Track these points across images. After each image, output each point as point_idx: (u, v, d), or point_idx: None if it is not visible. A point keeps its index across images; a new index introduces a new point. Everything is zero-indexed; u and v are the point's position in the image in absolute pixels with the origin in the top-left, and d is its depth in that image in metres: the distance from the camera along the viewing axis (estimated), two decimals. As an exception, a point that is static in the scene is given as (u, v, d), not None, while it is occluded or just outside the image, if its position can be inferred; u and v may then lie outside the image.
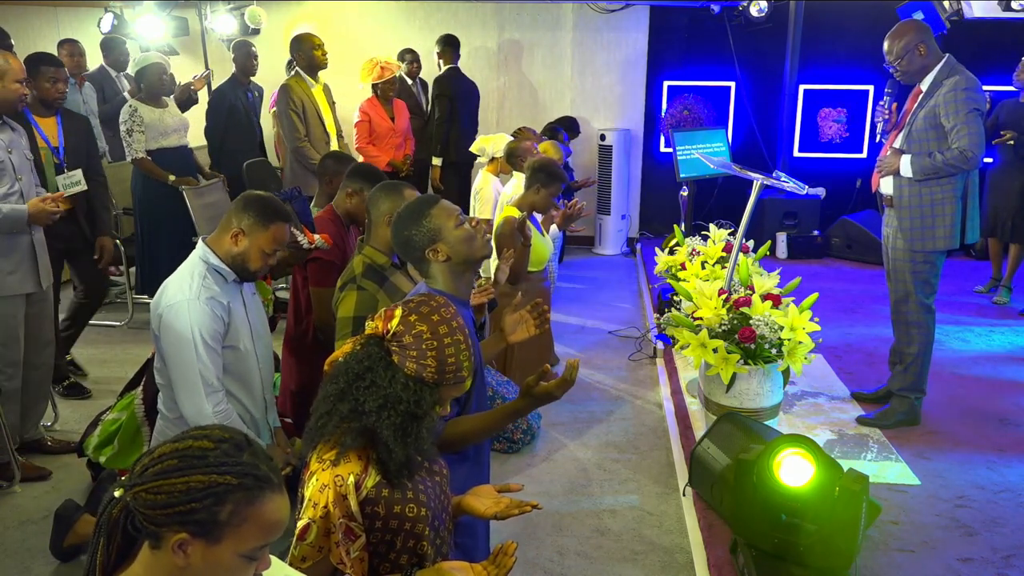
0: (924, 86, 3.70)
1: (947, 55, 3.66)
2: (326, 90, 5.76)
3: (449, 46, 6.71)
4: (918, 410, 3.94)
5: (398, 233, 2.08)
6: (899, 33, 3.67)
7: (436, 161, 6.61)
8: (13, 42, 5.62)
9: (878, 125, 3.94)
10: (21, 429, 3.70)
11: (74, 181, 4.14)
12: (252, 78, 6.43)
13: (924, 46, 3.62)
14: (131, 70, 5.26)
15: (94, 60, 6.67)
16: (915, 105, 3.72)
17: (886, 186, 3.83)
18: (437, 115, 6.54)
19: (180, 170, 5.29)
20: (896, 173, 3.72)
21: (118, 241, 5.44)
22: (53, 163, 4.10)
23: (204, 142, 6.29)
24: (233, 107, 6.17)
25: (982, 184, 6.03)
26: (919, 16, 5.54)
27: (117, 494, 1.20)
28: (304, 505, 1.56)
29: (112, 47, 6.55)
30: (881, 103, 3.92)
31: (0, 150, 3.39)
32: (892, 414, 3.92)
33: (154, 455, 1.20)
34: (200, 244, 2.54)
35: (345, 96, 6.66)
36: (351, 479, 1.55)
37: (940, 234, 3.67)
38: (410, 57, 6.97)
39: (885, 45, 3.71)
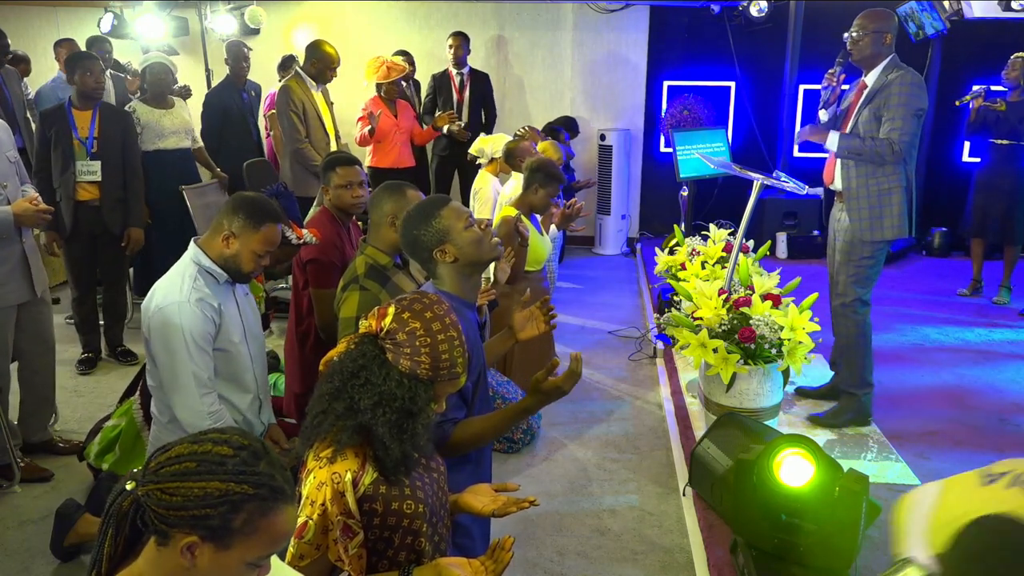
0: (869, 80, 3.75)
1: (893, 53, 3.73)
2: (324, 92, 5.75)
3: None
4: (867, 406, 3.91)
5: (407, 232, 2.07)
6: (877, 16, 3.75)
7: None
8: (10, 42, 5.61)
9: (823, 93, 3.98)
10: (27, 432, 3.70)
11: (90, 171, 4.47)
12: (251, 78, 6.42)
13: (890, 36, 3.71)
14: (139, 67, 5.34)
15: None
16: (860, 100, 3.75)
17: (837, 181, 3.84)
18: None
19: (178, 173, 5.28)
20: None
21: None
22: (84, 153, 4.43)
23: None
24: (227, 109, 6.15)
25: (969, 184, 6.07)
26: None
27: (128, 487, 1.20)
28: (302, 503, 1.56)
29: (95, 47, 6.52)
30: (831, 71, 3.96)
31: None
32: (841, 412, 3.91)
33: (171, 454, 1.19)
34: (192, 245, 2.53)
35: (344, 96, 6.66)
36: (348, 476, 1.55)
37: (888, 223, 3.70)
38: (404, 58, 6.96)
39: (857, 20, 3.77)
